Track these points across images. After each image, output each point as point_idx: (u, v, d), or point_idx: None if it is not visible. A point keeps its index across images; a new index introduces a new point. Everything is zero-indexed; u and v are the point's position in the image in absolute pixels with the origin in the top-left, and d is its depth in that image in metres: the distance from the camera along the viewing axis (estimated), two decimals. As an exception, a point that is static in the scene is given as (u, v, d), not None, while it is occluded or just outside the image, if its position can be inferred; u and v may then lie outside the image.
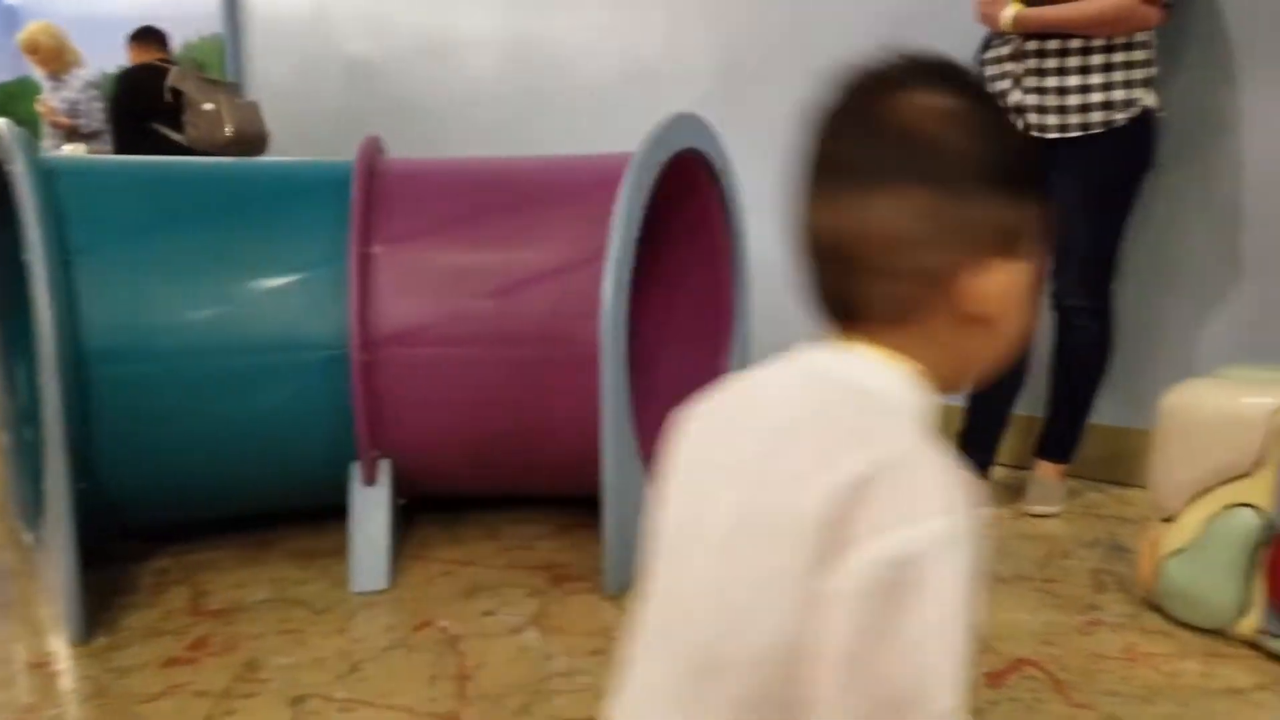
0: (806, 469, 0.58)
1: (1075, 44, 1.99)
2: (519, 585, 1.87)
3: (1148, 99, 2.02)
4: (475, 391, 1.93)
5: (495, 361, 1.93)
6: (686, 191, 2.31)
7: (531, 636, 1.67)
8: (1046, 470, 2.28)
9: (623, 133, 2.05)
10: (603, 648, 1.63)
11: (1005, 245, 0.63)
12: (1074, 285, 2.16)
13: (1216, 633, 1.62)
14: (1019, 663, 1.58)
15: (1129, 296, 2.30)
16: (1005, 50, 2.08)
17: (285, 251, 1.93)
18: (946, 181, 0.61)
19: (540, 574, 1.92)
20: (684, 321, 2.49)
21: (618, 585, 1.82)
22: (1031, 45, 2.03)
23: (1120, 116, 2.00)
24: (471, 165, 2.25)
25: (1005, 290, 0.63)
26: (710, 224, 2.40)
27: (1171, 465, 1.60)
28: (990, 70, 2.13)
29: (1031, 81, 2.05)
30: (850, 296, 0.64)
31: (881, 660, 0.54)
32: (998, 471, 2.36)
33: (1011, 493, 2.31)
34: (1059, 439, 2.27)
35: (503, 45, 3.60)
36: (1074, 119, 2.02)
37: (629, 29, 3.19)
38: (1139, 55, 1.99)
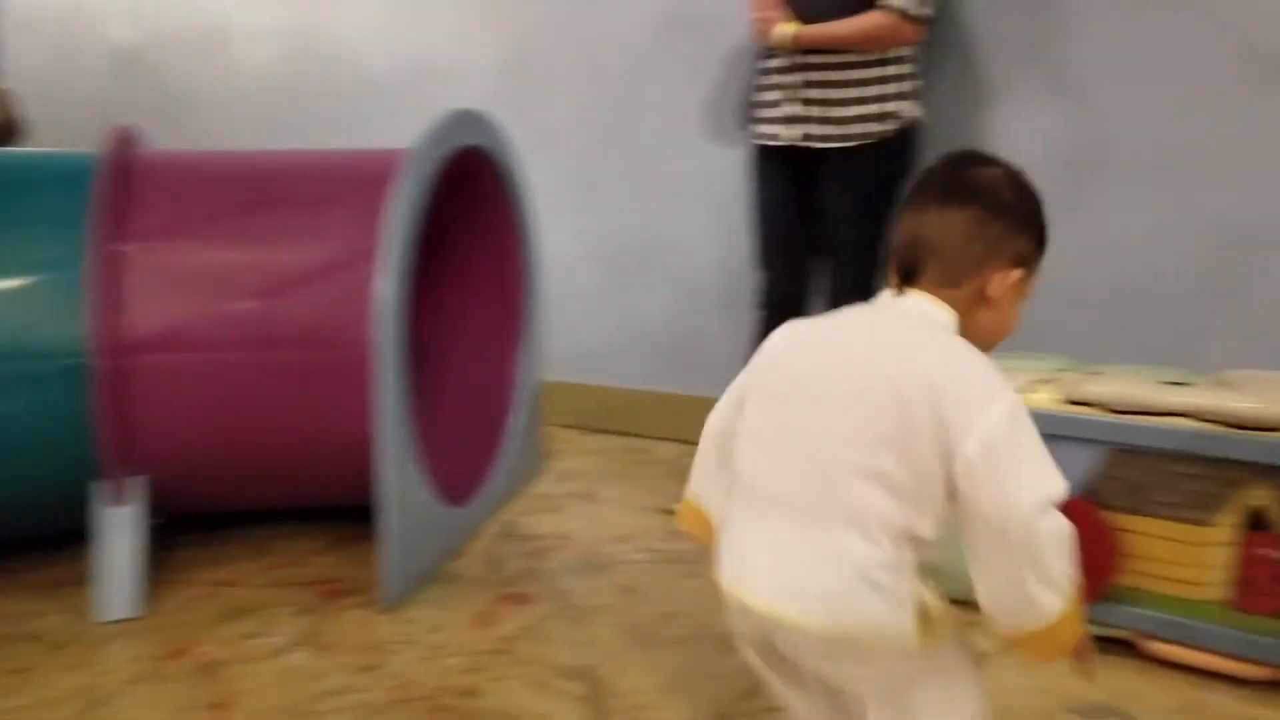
0: (908, 355, 0.96)
1: (847, 59, 2.08)
2: (287, 604, 1.77)
3: (913, 110, 2.14)
4: (239, 399, 1.81)
5: (261, 367, 1.81)
6: (473, 191, 2.27)
7: (300, 657, 1.58)
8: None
9: (408, 131, 1.98)
10: (376, 663, 1.56)
11: (1017, 262, 1.03)
12: (847, 285, 2.26)
13: (965, 602, 1.72)
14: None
15: (894, 292, 2.44)
16: (781, 63, 2.15)
17: (16, 250, 1.75)
18: (991, 211, 1.02)
19: (311, 590, 1.82)
20: (474, 325, 2.44)
21: (395, 597, 1.75)
22: (805, 60, 2.10)
23: (888, 127, 2.11)
24: (237, 158, 2.11)
25: (1010, 288, 1.03)
26: (499, 224, 2.36)
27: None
28: (764, 80, 2.20)
29: (808, 94, 2.12)
30: (918, 265, 1.02)
31: (1014, 475, 0.91)
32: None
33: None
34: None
35: (280, 37, 3.42)
36: (850, 130, 2.12)
37: (413, 24, 3.11)
38: (904, 69, 2.11)
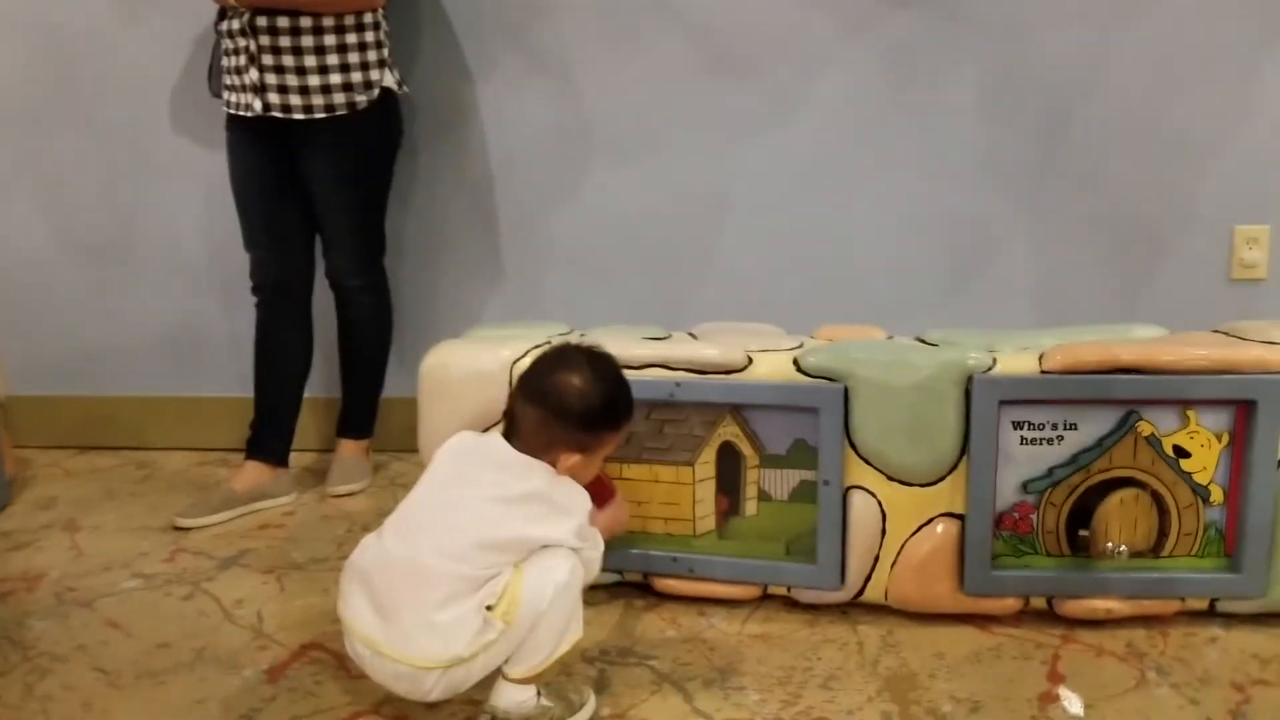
0: (514, 480, 1.28)
1: (307, 24, 1.94)
2: None
3: (387, 79, 2.07)
4: None
5: None
6: None
7: None
8: (349, 449, 2.27)
9: None
10: None
11: (578, 449, 1.31)
12: (346, 265, 2.16)
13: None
14: (303, 649, 1.52)
15: (406, 272, 2.39)
16: (237, 25, 1.97)
17: None
18: (555, 415, 1.30)
19: None
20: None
21: None
22: (263, 22, 1.94)
23: (362, 98, 2.02)
24: None
25: (573, 468, 1.31)
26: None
27: (433, 423, 1.65)
28: (226, 44, 2.01)
29: (268, 60, 1.96)
30: (514, 434, 1.32)
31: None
32: (305, 457, 2.29)
33: (319, 477, 2.26)
34: (356, 416, 2.28)
35: None
36: (317, 100, 1.99)
37: None
38: (370, 37, 2.02)
